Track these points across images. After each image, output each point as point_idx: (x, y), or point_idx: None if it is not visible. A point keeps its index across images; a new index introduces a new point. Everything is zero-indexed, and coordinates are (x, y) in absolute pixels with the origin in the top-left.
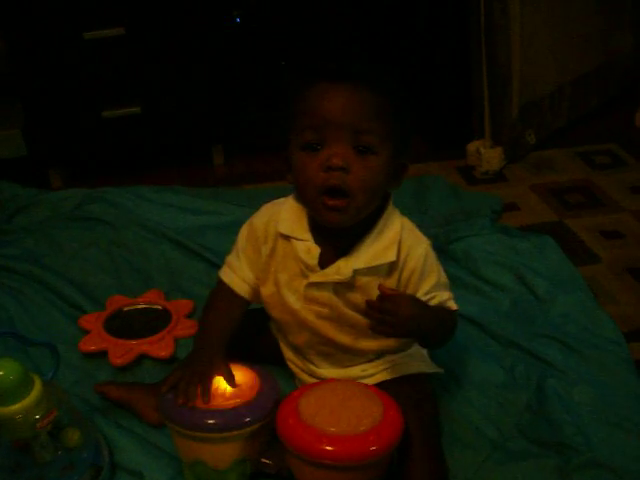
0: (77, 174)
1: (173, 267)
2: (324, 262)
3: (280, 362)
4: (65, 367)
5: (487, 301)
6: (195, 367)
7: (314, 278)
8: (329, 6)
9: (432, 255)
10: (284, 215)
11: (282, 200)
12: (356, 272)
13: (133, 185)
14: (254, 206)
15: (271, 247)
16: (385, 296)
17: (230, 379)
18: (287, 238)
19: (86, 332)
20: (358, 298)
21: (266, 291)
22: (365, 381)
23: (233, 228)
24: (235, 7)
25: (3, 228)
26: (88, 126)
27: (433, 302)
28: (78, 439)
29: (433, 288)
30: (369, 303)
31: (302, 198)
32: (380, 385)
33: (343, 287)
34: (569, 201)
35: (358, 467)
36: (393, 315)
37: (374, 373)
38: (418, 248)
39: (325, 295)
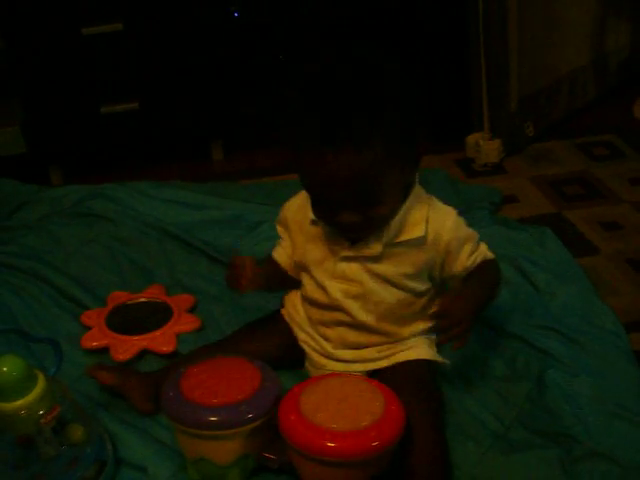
0: (77, 170)
1: (174, 262)
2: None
3: (284, 356)
4: (67, 363)
5: None
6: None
7: (344, 252)
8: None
9: (461, 222)
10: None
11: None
12: (385, 246)
13: (133, 181)
14: (254, 201)
15: (305, 232)
16: (440, 313)
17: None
18: (316, 222)
19: (88, 328)
20: (387, 270)
21: (300, 259)
22: (379, 363)
23: (233, 223)
24: (233, 1)
25: (4, 225)
26: (87, 122)
27: (477, 262)
28: (82, 435)
29: (472, 249)
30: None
31: None
32: (385, 374)
33: (372, 261)
34: (568, 193)
35: (360, 463)
36: (457, 322)
37: (389, 355)
38: (447, 221)
39: (354, 269)
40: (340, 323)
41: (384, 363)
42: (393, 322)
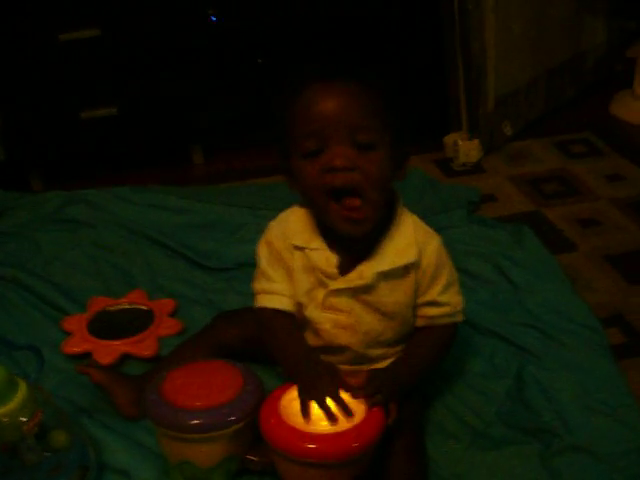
0: (57, 176)
1: (155, 267)
2: (342, 268)
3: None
4: (49, 369)
5: (466, 291)
6: (322, 387)
7: (335, 285)
8: (302, 1)
9: (444, 251)
10: (293, 227)
11: (286, 213)
12: (378, 275)
13: (113, 186)
14: (235, 204)
15: (293, 260)
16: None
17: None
18: (302, 249)
19: (69, 334)
20: (379, 299)
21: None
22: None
23: (214, 226)
24: (210, 6)
25: None
26: (66, 128)
27: (442, 319)
28: (65, 440)
29: (447, 283)
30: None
31: (314, 207)
32: None
33: (362, 291)
34: (546, 191)
35: (341, 464)
36: (380, 393)
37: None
38: (431, 245)
39: (344, 301)
40: (325, 350)
41: None
42: (379, 347)
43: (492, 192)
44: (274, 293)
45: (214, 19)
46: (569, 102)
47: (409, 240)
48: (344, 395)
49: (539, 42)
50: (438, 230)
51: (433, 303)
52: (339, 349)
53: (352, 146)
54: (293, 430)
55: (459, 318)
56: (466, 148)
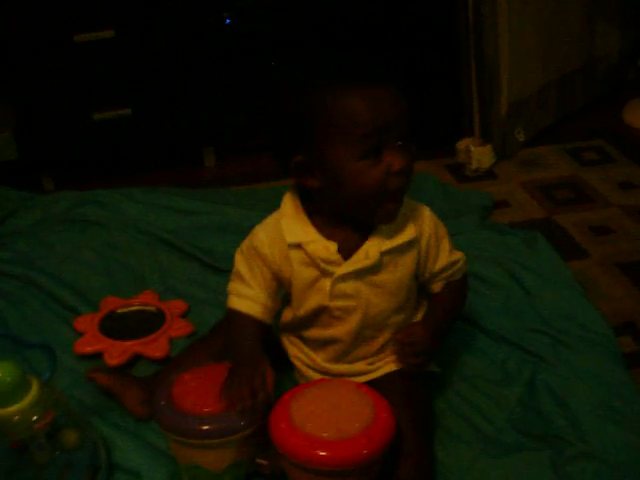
0: (69, 177)
1: (166, 268)
2: (343, 254)
3: (274, 361)
4: (61, 369)
5: (478, 297)
6: (245, 371)
7: (342, 269)
8: (317, 5)
9: (435, 217)
10: (286, 226)
11: (273, 217)
12: (383, 254)
13: (125, 187)
14: (245, 206)
15: (285, 259)
16: (402, 339)
17: (269, 381)
18: (298, 246)
19: (81, 334)
20: (386, 278)
21: (290, 288)
22: (370, 375)
23: (225, 228)
24: (225, 9)
25: None
26: (79, 128)
27: (457, 274)
28: (76, 440)
29: (451, 247)
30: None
31: (353, 205)
32: (374, 380)
33: (368, 272)
34: (558, 197)
35: (350, 471)
36: (417, 348)
37: (380, 366)
38: (423, 215)
39: (351, 285)
40: (336, 341)
41: (375, 375)
42: (388, 330)
43: (504, 198)
44: (246, 298)
45: (229, 22)
46: (582, 109)
47: (404, 218)
48: (354, 402)
49: (552, 49)
50: (451, 235)
51: (448, 266)
52: (350, 338)
53: (402, 146)
54: (303, 436)
55: (466, 266)
56: (478, 154)
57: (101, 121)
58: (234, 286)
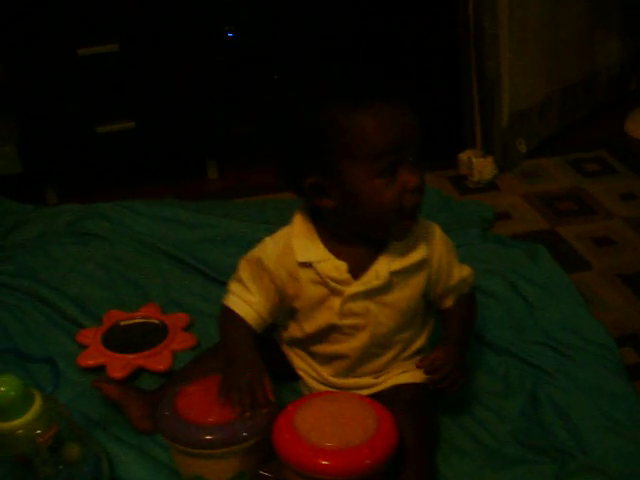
0: (72, 190)
1: (169, 281)
2: (352, 273)
3: (278, 373)
4: (64, 382)
5: (480, 309)
6: (247, 377)
7: (353, 289)
8: (318, 19)
9: (444, 234)
10: (297, 245)
11: (284, 233)
12: (392, 274)
13: (128, 200)
14: (249, 219)
15: (291, 276)
16: (431, 369)
17: (270, 394)
18: (308, 265)
19: (84, 347)
20: (396, 298)
21: (297, 305)
22: (375, 388)
23: (229, 241)
24: (227, 22)
25: None
26: (82, 141)
27: (466, 288)
28: (79, 454)
29: (459, 267)
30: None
31: (369, 223)
32: (378, 393)
33: (378, 292)
34: (560, 209)
35: None
36: (447, 368)
37: (386, 379)
38: (434, 233)
39: (360, 305)
40: (343, 357)
41: (379, 388)
42: (394, 347)
43: (506, 210)
44: (244, 302)
45: (231, 35)
46: (583, 120)
47: (414, 236)
48: (357, 412)
49: (554, 60)
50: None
51: (461, 282)
52: (350, 355)
53: (415, 163)
54: (306, 445)
55: (474, 279)
56: (480, 165)
57: (105, 134)
58: (235, 287)
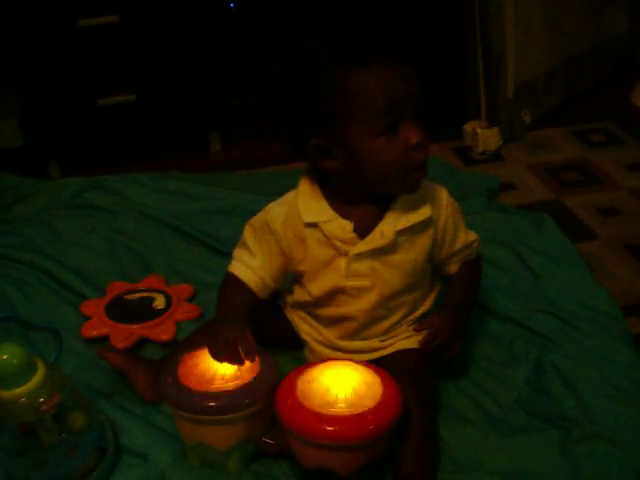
0: (74, 163)
1: (173, 252)
2: (358, 233)
3: (282, 341)
4: (67, 353)
5: (485, 279)
6: (228, 333)
7: (358, 249)
8: None
9: (451, 197)
10: (303, 206)
11: (290, 195)
12: (398, 233)
13: (131, 172)
14: (251, 191)
15: (298, 238)
16: (426, 328)
17: (252, 350)
18: (314, 225)
19: (87, 318)
20: (401, 258)
21: (303, 268)
22: (381, 352)
23: (232, 213)
24: None
25: (2, 218)
26: (84, 114)
27: (472, 254)
28: (82, 422)
29: (465, 232)
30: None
31: (376, 181)
32: (381, 359)
33: (383, 251)
34: (566, 179)
35: (358, 447)
36: (443, 335)
37: (392, 343)
38: (442, 199)
39: (366, 264)
40: (350, 318)
41: (385, 352)
42: (400, 309)
43: (511, 180)
44: (247, 267)
45: (233, 6)
46: (589, 91)
47: (419, 196)
48: (361, 379)
49: (559, 30)
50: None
51: (465, 247)
52: (357, 317)
53: (418, 115)
54: (309, 412)
55: (480, 245)
56: (485, 136)
57: (106, 106)
58: (239, 252)
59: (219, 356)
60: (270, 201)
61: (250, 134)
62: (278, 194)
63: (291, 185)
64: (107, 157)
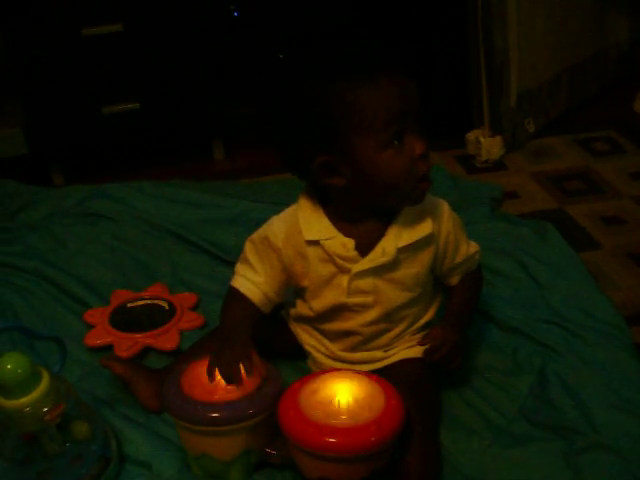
0: (78, 171)
1: (176, 261)
2: (360, 251)
3: (285, 351)
4: (71, 362)
5: (489, 288)
6: (231, 355)
7: (360, 267)
8: None
9: (452, 211)
10: (304, 223)
11: (291, 210)
12: (399, 250)
13: (134, 181)
14: (255, 199)
15: (299, 255)
16: (431, 348)
17: (251, 366)
18: (316, 243)
19: (91, 327)
20: (402, 274)
21: (305, 284)
22: (384, 362)
23: (235, 221)
24: (232, 1)
25: (6, 226)
26: (88, 123)
27: (474, 264)
28: (86, 431)
29: (466, 244)
30: (427, 355)
31: (384, 194)
32: (383, 369)
33: (385, 269)
34: (569, 188)
35: (360, 458)
36: (445, 349)
37: (394, 353)
38: (443, 213)
39: (369, 282)
40: (354, 333)
41: (387, 362)
42: (403, 322)
43: (514, 189)
44: (250, 282)
45: (236, 14)
46: (592, 99)
47: (421, 213)
48: (363, 390)
49: (562, 38)
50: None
51: (467, 259)
52: (360, 332)
53: (418, 131)
54: (312, 423)
55: (480, 256)
56: (488, 145)
57: (110, 115)
58: (241, 268)
59: (222, 377)
60: (273, 209)
61: (254, 142)
62: (281, 202)
63: (294, 194)
64: (111, 165)
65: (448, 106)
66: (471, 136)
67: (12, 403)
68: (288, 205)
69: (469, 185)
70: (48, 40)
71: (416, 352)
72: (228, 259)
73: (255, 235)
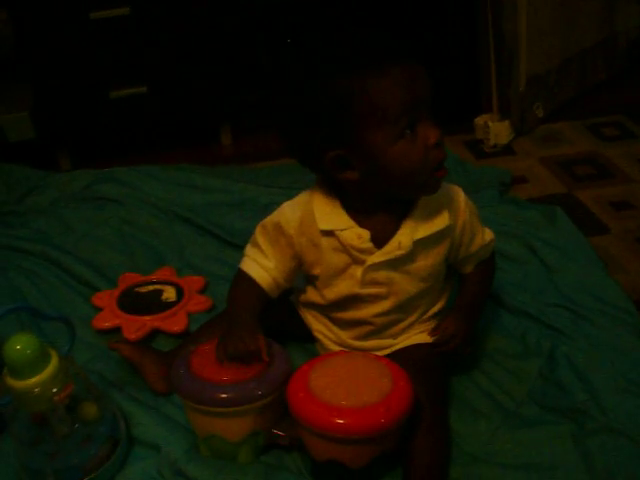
0: (85, 155)
1: (184, 244)
2: (375, 243)
3: (294, 334)
4: (80, 344)
5: (498, 272)
6: (240, 341)
7: (374, 259)
8: None
9: (468, 199)
10: (319, 213)
11: (304, 199)
12: (415, 243)
13: (142, 165)
14: (262, 183)
15: (312, 243)
16: (440, 338)
17: (259, 347)
18: (330, 233)
19: (99, 309)
20: (418, 266)
21: (317, 272)
22: (392, 348)
23: (243, 205)
24: None
25: (14, 210)
26: (95, 107)
27: (488, 252)
28: (95, 413)
29: (482, 232)
30: (437, 347)
31: (399, 186)
32: (392, 353)
33: (400, 262)
34: (578, 173)
35: (368, 439)
36: (457, 340)
37: (403, 339)
38: (458, 197)
39: (383, 274)
40: (366, 322)
41: (396, 347)
42: (415, 312)
43: (523, 174)
44: (260, 266)
45: None
46: (602, 84)
47: (437, 205)
48: (372, 372)
49: (571, 23)
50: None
51: (483, 247)
52: (373, 321)
53: (431, 119)
54: (321, 404)
55: (494, 243)
56: (497, 130)
57: (117, 99)
58: (252, 251)
59: (230, 358)
60: (282, 193)
61: (262, 127)
62: (289, 187)
63: (301, 179)
64: (118, 149)
65: (457, 91)
66: (480, 121)
67: (21, 384)
68: (296, 189)
69: (477, 170)
70: (56, 24)
71: (425, 337)
72: (236, 242)
73: (267, 220)
